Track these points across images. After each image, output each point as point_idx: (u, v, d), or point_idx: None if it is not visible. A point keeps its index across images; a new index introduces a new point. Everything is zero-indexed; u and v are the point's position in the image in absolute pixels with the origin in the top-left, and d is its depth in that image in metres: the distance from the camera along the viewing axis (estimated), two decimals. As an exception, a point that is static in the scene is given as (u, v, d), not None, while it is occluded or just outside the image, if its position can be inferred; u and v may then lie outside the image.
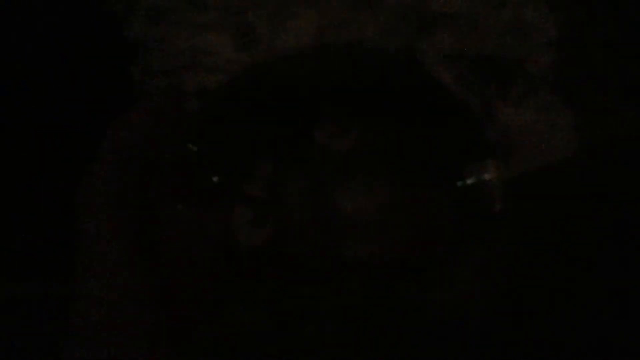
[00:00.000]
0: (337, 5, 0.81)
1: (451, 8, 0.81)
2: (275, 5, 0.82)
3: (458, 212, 0.64)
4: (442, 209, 0.63)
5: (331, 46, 0.75)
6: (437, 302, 0.64)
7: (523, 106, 0.81)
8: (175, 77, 0.81)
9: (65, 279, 0.71)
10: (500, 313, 0.68)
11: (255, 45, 0.81)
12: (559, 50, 0.83)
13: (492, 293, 0.66)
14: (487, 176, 0.65)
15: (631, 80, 0.82)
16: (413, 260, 0.63)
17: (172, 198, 0.66)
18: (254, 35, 0.81)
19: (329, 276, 0.63)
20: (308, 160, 0.64)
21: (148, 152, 0.66)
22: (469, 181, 0.65)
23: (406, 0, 0.80)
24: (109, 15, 0.82)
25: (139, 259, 0.66)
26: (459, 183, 0.65)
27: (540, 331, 0.70)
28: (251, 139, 0.66)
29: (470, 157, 0.65)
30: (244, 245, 0.63)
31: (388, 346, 0.64)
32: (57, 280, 0.76)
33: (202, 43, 0.83)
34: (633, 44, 0.83)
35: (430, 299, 0.64)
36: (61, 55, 0.84)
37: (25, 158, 0.83)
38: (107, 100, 0.79)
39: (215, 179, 0.66)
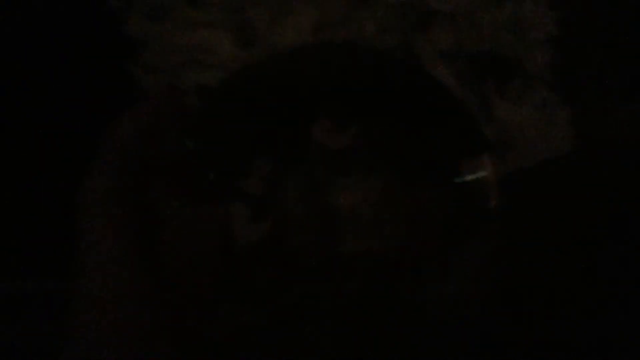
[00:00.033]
0: (336, 2, 0.81)
1: (449, 5, 0.82)
2: (275, 3, 0.82)
3: (454, 208, 0.64)
4: (439, 205, 0.63)
5: (329, 44, 0.75)
6: (434, 299, 0.64)
7: (521, 103, 0.82)
8: (175, 74, 0.81)
9: (63, 276, 0.71)
10: (499, 311, 0.69)
11: (255, 42, 0.81)
12: (558, 48, 0.83)
13: (490, 290, 0.66)
14: (483, 172, 0.65)
15: (631, 79, 0.82)
16: (410, 257, 0.63)
17: (171, 196, 0.66)
18: (253, 32, 0.82)
19: (327, 273, 0.63)
20: (306, 157, 0.64)
21: (147, 151, 0.66)
22: (465, 178, 0.65)
23: (402, -2, 0.81)
24: (108, 14, 0.82)
25: (138, 258, 0.66)
26: (456, 179, 0.65)
27: (539, 330, 0.71)
28: (249, 136, 0.66)
29: (466, 154, 0.65)
30: (242, 241, 0.63)
31: (386, 344, 0.65)
32: (54, 278, 0.76)
33: (201, 40, 0.83)
34: (633, 42, 0.83)
35: (428, 296, 0.64)
36: (59, 54, 0.84)
37: (25, 157, 0.83)
38: (107, 99, 0.79)
39: (213, 176, 0.66)
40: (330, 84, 0.68)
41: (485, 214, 0.65)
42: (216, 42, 0.83)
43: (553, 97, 0.83)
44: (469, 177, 0.65)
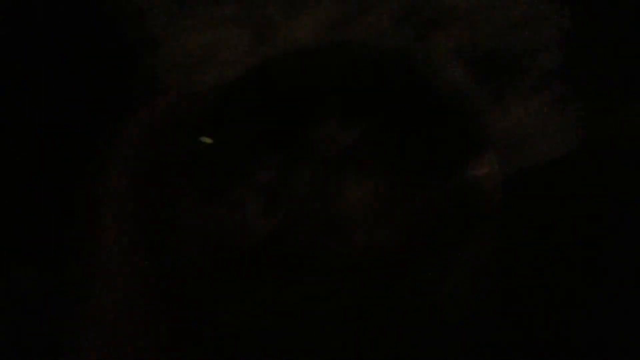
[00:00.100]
0: (346, 2, 0.82)
1: (464, 2, 0.82)
2: (292, 0, 0.83)
3: (455, 207, 0.65)
4: (440, 204, 0.64)
5: (341, 44, 0.76)
6: (434, 297, 0.66)
7: (535, 99, 0.82)
8: (193, 71, 0.82)
9: (61, 273, 0.72)
10: (500, 310, 0.69)
11: (272, 38, 0.82)
12: (572, 45, 0.84)
13: (491, 290, 0.67)
14: (484, 171, 0.66)
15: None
16: (411, 255, 0.64)
17: (185, 192, 0.67)
18: (270, 29, 0.83)
19: (331, 270, 0.64)
20: (315, 154, 0.65)
21: (161, 148, 0.67)
22: (466, 177, 0.66)
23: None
24: (125, 11, 0.83)
25: (146, 256, 0.68)
26: (457, 179, 0.66)
27: (539, 330, 0.71)
28: (263, 131, 0.67)
29: (468, 154, 0.66)
30: (254, 233, 0.65)
31: (386, 344, 0.66)
32: (53, 275, 0.77)
33: (219, 37, 0.84)
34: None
35: (427, 294, 0.65)
36: (73, 53, 0.85)
37: (35, 156, 0.84)
38: (123, 97, 0.80)
39: (227, 170, 0.67)
40: (340, 83, 0.69)
41: (486, 213, 0.66)
42: (234, 39, 0.84)
43: (568, 93, 0.83)
44: (470, 176, 0.66)
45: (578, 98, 0.83)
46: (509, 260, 0.70)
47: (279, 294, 0.65)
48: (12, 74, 0.85)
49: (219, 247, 0.65)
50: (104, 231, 0.70)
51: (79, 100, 0.84)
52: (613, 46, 0.84)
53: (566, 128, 0.81)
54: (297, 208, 0.64)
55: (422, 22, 0.81)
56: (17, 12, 0.85)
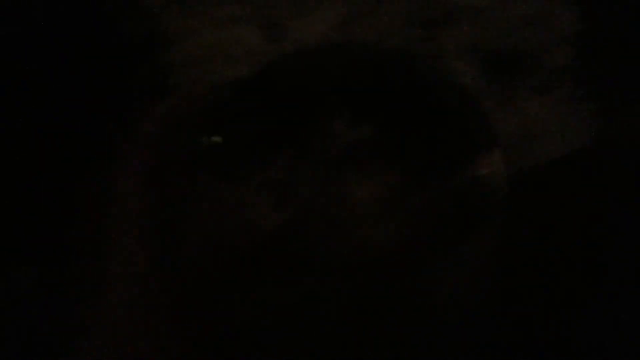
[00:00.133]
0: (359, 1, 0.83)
1: (477, 2, 0.83)
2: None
3: (459, 205, 0.65)
4: (444, 202, 0.65)
5: (349, 43, 0.77)
6: (436, 297, 0.66)
7: (546, 97, 0.82)
8: (204, 68, 0.83)
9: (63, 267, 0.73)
10: (499, 311, 0.70)
11: (283, 37, 0.83)
12: (583, 44, 0.84)
13: (492, 289, 0.68)
14: (489, 170, 0.67)
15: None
16: (413, 253, 0.64)
17: (192, 188, 0.68)
18: (280, 28, 0.84)
19: (335, 267, 0.65)
20: (324, 151, 0.66)
21: (169, 145, 0.68)
22: (473, 175, 0.66)
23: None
24: (138, 9, 0.84)
25: (156, 252, 0.69)
26: (463, 177, 0.66)
27: (539, 330, 0.71)
28: (273, 128, 0.68)
29: (475, 152, 0.67)
30: (261, 230, 0.65)
31: (386, 344, 0.66)
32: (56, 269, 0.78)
33: (230, 36, 0.85)
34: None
35: (430, 293, 0.66)
36: (79, 52, 0.86)
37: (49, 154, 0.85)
38: (131, 96, 0.81)
39: (235, 167, 0.68)
40: (347, 82, 0.70)
41: (489, 213, 0.66)
42: (246, 37, 0.85)
43: (577, 91, 0.83)
44: (474, 176, 0.66)
45: (588, 97, 0.83)
46: (510, 259, 0.71)
47: (281, 293, 0.65)
48: (15, 73, 0.86)
49: (225, 244, 0.66)
50: (108, 230, 0.71)
51: (86, 100, 0.85)
52: (624, 46, 0.85)
53: (576, 127, 0.81)
54: (303, 206, 0.65)
55: (431, 21, 0.82)
56: (29, 10, 0.86)
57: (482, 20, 0.82)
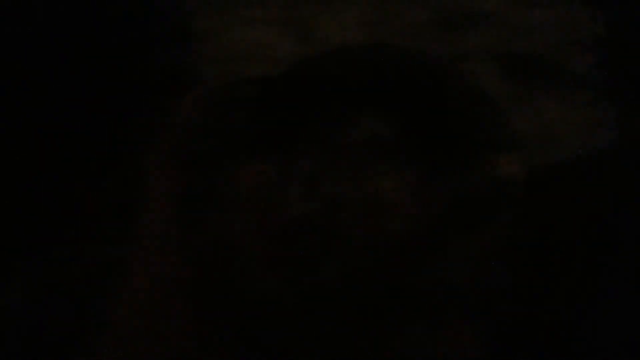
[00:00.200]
0: (392, 3, 0.85)
1: (503, 11, 0.85)
2: (334, 3, 0.86)
3: (478, 202, 0.68)
4: (463, 197, 0.67)
5: (374, 45, 0.80)
6: (449, 284, 0.68)
7: (566, 101, 0.84)
8: (232, 65, 0.86)
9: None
10: (511, 303, 0.72)
11: (309, 38, 0.86)
12: (604, 50, 0.85)
13: (502, 280, 0.70)
14: (509, 170, 0.69)
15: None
16: (430, 240, 0.67)
17: (226, 178, 0.71)
18: (307, 28, 0.86)
19: (364, 253, 0.68)
20: (352, 144, 0.69)
21: (205, 132, 0.71)
22: (492, 173, 0.69)
23: (457, 0, 0.84)
24: (171, 8, 0.87)
25: (187, 239, 0.71)
26: (483, 174, 0.69)
27: (545, 330, 0.73)
28: (303, 122, 0.71)
29: (495, 151, 0.69)
30: (293, 215, 0.68)
31: (405, 323, 0.69)
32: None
33: (261, 36, 0.88)
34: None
35: (445, 279, 0.68)
36: (120, 47, 0.88)
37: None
38: (164, 86, 0.83)
39: (270, 158, 0.71)
40: (376, 81, 0.72)
41: (504, 207, 0.68)
42: (275, 38, 0.87)
43: (597, 96, 0.85)
44: (494, 172, 0.69)
45: (606, 102, 0.84)
46: (521, 256, 0.73)
47: (306, 277, 0.68)
48: (54, 63, 0.88)
49: (254, 231, 0.69)
50: (141, 213, 0.73)
51: (119, 91, 0.87)
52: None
53: (593, 131, 0.83)
54: (329, 195, 0.68)
55: (454, 25, 0.84)
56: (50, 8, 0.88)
57: (504, 26, 0.84)
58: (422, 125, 0.69)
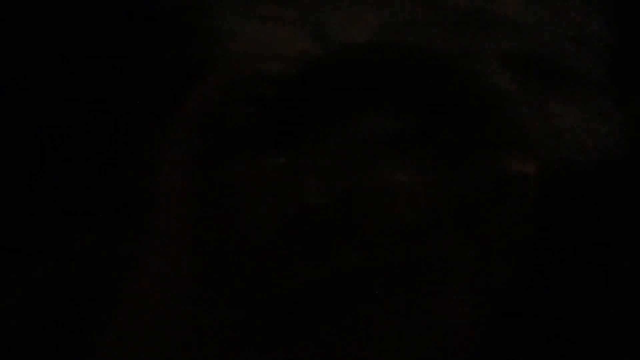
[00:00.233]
0: (406, 5, 0.86)
1: (515, 13, 0.86)
2: (348, 4, 0.88)
3: (491, 195, 0.69)
4: (475, 193, 0.69)
5: (390, 44, 0.81)
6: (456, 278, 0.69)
7: (578, 108, 0.85)
8: (247, 63, 0.87)
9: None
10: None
11: (326, 38, 0.87)
12: (618, 62, 0.86)
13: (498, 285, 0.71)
14: (521, 169, 0.70)
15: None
16: (438, 233, 0.68)
17: (239, 171, 0.72)
18: (325, 29, 0.87)
19: (377, 244, 0.69)
20: (367, 139, 0.70)
21: (214, 130, 0.73)
22: (505, 171, 0.70)
23: (470, 3, 0.85)
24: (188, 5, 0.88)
25: (203, 229, 0.72)
26: (495, 171, 0.70)
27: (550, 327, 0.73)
28: (318, 118, 0.73)
29: (507, 150, 0.70)
30: (310, 206, 0.70)
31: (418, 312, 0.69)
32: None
33: (278, 35, 0.89)
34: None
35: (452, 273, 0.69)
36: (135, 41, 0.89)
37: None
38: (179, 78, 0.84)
39: (284, 160, 0.72)
40: (391, 78, 0.74)
41: (515, 205, 0.70)
42: (292, 38, 0.88)
43: (609, 105, 0.86)
44: (506, 171, 0.70)
45: (620, 110, 0.85)
46: (523, 255, 0.74)
47: (322, 267, 0.69)
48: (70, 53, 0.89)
49: (271, 221, 0.70)
50: (150, 211, 0.74)
51: (134, 82, 0.87)
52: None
53: (605, 137, 0.84)
54: (349, 186, 0.69)
55: (472, 29, 0.85)
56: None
57: (521, 32, 0.85)
58: (435, 121, 0.71)
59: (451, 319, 0.71)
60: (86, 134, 0.87)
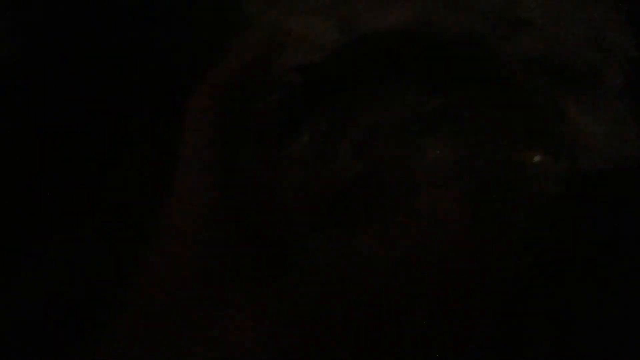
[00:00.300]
0: (431, 3, 0.88)
1: (537, 16, 0.87)
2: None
3: (511, 185, 0.71)
4: (493, 180, 0.71)
5: (423, 31, 0.83)
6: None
7: (595, 115, 0.86)
8: (282, 52, 0.88)
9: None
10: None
11: (356, 29, 0.88)
12: (636, 69, 0.88)
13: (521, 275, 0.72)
14: (544, 164, 0.72)
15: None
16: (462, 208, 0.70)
17: (275, 140, 0.74)
18: (355, 20, 0.89)
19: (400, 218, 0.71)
20: (401, 116, 0.73)
21: (249, 98, 0.74)
22: (526, 165, 0.72)
23: (494, 4, 0.87)
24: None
25: (234, 201, 0.73)
26: (517, 164, 0.72)
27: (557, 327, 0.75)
28: (353, 97, 0.75)
29: (528, 145, 0.72)
30: (343, 175, 0.71)
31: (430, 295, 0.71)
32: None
33: (306, 24, 0.90)
34: None
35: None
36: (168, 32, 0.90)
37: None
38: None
39: (325, 127, 0.74)
40: (421, 62, 0.76)
41: (534, 198, 0.71)
42: (320, 27, 0.90)
43: (626, 113, 0.87)
44: (527, 165, 0.72)
45: (636, 121, 0.86)
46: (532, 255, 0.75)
47: (353, 237, 0.71)
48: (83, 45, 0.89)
49: (307, 190, 0.72)
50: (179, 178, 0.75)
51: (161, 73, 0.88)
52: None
53: (624, 145, 0.85)
54: (383, 156, 0.71)
55: (494, 30, 0.86)
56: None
57: (547, 37, 0.87)
58: (468, 105, 0.73)
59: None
60: (86, 134, 0.87)
